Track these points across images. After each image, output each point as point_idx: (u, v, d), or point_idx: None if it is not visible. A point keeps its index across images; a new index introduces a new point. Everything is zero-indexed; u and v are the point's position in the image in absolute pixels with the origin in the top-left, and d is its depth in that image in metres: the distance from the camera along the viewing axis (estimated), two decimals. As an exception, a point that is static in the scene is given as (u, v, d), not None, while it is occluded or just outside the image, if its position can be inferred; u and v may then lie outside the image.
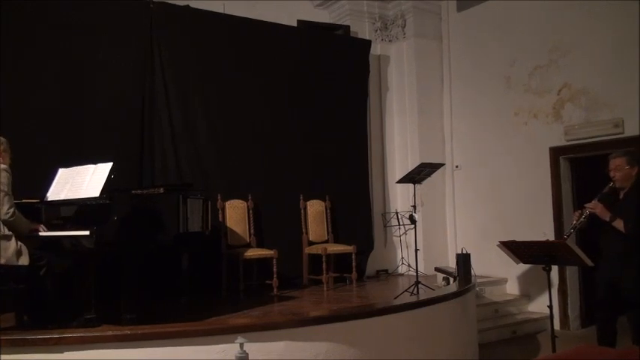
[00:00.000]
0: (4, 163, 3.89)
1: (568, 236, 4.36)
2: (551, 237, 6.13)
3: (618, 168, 4.42)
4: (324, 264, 6.08)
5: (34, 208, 4.22)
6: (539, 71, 6.72)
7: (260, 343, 3.54)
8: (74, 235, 3.95)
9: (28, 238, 3.91)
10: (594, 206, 4.35)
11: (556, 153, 6.53)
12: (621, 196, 4.46)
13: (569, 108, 6.43)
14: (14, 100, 5.11)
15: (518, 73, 6.95)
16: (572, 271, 6.37)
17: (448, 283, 5.86)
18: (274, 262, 5.75)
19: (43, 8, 5.33)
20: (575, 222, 4.42)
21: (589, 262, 4.02)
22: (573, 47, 6.37)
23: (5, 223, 3.77)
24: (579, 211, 4.46)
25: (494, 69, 7.20)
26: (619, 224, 4.25)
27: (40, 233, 4.00)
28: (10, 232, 3.76)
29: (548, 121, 6.63)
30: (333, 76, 7.13)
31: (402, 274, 7.33)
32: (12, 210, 3.78)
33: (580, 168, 6.53)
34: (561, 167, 6.52)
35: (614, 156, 4.51)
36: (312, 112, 6.92)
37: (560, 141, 6.48)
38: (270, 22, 6.75)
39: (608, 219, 4.29)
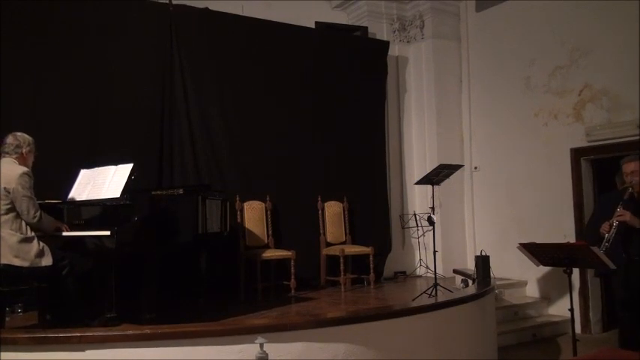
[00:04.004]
0: (26, 165, 3.96)
1: (604, 251, 4.26)
2: (572, 239, 6.05)
3: (635, 172, 4.38)
4: (341, 265, 6.08)
5: (56, 208, 4.28)
6: (560, 72, 6.64)
7: (278, 344, 3.55)
8: (95, 235, 4.01)
9: (51, 237, 3.97)
10: (623, 214, 4.28)
11: (577, 154, 6.44)
12: (636, 196, 4.41)
13: (591, 109, 6.34)
14: (35, 101, 5.20)
15: (538, 74, 6.88)
16: (593, 274, 6.27)
17: (467, 286, 5.82)
18: (292, 263, 5.77)
19: (64, 10, 5.41)
20: (607, 235, 4.31)
21: (611, 265, 3.96)
22: (594, 47, 6.29)
23: (31, 225, 3.83)
24: (608, 224, 4.35)
25: (514, 69, 7.14)
26: None
27: (63, 233, 4.06)
28: (32, 234, 3.82)
29: (568, 122, 6.55)
30: (350, 77, 7.13)
31: (420, 276, 7.29)
32: (38, 213, 3.83)
33: (601, 169, 6.44)
34: (582, 168, 6.43)
35: (627, 161, 4.47)
36: (330, 114, 6.92)
37: (581, 142, 6.39)
38: (288, 24, 6.77)
39: (638, 226, 4.23)
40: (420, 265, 7.39)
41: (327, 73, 6.95)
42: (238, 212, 5.99)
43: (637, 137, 5.79)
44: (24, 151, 3.98)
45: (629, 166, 4.43)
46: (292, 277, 5.75)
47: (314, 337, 3.74)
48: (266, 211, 6.21)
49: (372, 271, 6.30)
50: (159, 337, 3.45)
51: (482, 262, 5.84)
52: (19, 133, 4.00)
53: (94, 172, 4.44)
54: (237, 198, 6.01)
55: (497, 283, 6.09)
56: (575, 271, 5.75)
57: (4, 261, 3.68)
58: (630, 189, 4.39)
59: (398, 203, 7.60)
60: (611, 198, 4.57)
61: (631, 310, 4.40)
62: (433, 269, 5.52)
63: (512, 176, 7.12)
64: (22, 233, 3.76)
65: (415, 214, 7.12)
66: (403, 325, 4.20)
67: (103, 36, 5.61)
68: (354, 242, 6.63)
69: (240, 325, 3.95)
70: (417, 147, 7.77)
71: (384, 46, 7.58)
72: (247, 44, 6.44)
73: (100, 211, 4.17)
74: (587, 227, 4.89)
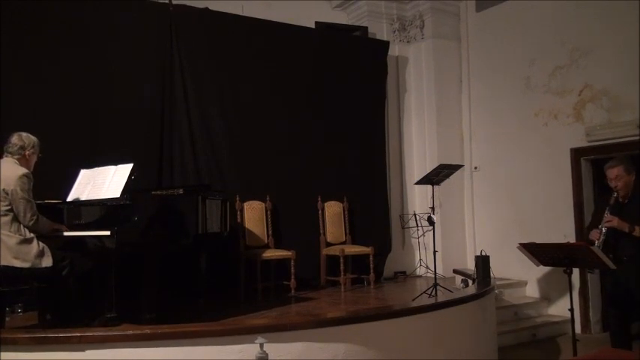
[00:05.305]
0: (28, 167, 3.95)
1: None
2: (572, 239, 6.05)
3: (618, 177, 4.42)
4: (341, 265, 6.08)
5: (56, 208, 4.29)
6: (560, 71, 6.64)
7: (278, 344, 3.55)
8: (96, 235, 4.01)
9: (51, 238, 3.96)
10: (611, 220, 4.32)
11: (577, 154, 6.44)
12: (621, 200, 4.46)
13: (591, 109, 6.34)
14: (34, 101, 5.19)
15: (538, 74, 6.87)
16: (593, 274, 6.27)
17: (467, 286, 5.82)
18: (292, 263, 5.76)
19: (64, 10, 5.40)
20: (597, 242, 4.35)
21: (611, 265, 3.97)
22: (594, 47, 6.28)
23: (27, 228, 3.82)
24: (597, 231, 4.41)
25: (514, 69, 7.14)
26: (639, 232, 4.23)
27: (63, 233, 4.06)
28: (32, 235, 3.82)
29: (568, 122, 6.55)
30: (350, 77, 7.12)
31: (420, 276, 7.29)
32: (35, 217, 3.83)
33: (601, 169, 6.44)
34: (582, 168, 6.43)
35: (611, 166, 4.51)
36: (330, 113, 6.92)
37: (581, 142, 6.39)
38: (288, 24, 6.77)
39: (627, 230, 4.26)
40: (420, 265, 7.39)
41: (327, 73, 6.95)
42: (238, 212, 5.99)
43: (637, 137, 5.79)
44: (27, 152, 3.97)
45: (612, 172, 4.48)
46: (292, 277, 5.75)
47: (314, 337, 3.74)
48: (266, 211, 6.21)
49: (372, 271, 6.30)
50: (159, 337, 3.45)
51: (483, 262, 5.84)
52: (24, 134, 3.99)
53: (94, 172, 4.44)
54: (237, 198, 6.01)
55: (497, 283, 6.09)
56: (575, 271, 5.74)
57: (4, 262, 3.67)
58: (615, 194, 4.44)
59: (398, 203, 7.60)
60: (608, 200, 4.58)
61: (618, 309, 4.44)
62: (433, 269, 5.52)
63: (513, 176, 7.12)
64: (21, 235, 3.76)
65: (415, 214, 7.12)
66: (403, 325, 4.20)
67: (103, 36, 5.61)
68: (354, 242, 6.63)
69: (240, 325, 3.95)
70: (417, 147, 7.77)
71: (384, 46, 7.58)
72: (247, 44, 6.43)
73: (100, 211, 4.16)
74: (588, 229, 4.93)
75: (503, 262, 6.42)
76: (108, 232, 3.90)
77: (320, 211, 6.56)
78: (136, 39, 5.78)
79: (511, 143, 7.15)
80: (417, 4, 7.77)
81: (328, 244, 6.48)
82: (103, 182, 4.28)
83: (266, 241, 6.12)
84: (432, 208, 5.64)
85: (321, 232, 6.51)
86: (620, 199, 4.45)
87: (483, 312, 5.03)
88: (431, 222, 5.60)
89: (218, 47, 6.27)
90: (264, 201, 6.23)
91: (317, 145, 6.76)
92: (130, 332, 3.48)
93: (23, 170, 3.85)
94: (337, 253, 6.15)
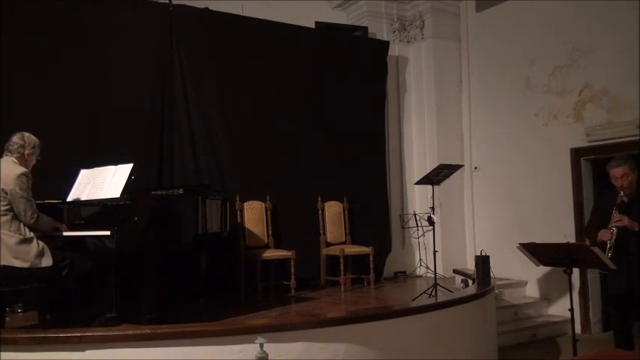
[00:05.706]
0: (26, 166, 3.95)
1: (609, 258, 4.27)
2: (572, 239, 6.05)
3: (625, 176, 4.39)
4: (341, 265, 6.08)
5: (56, 208, 4.28)
6: (560, 71, 6.64)
7: (278, 344, 3.56)
8: (96, 235, 4.00)
9: (51, 237, 3.97)
10: (621, 219, 4.30)
11: (577, 154, 6.44)
12: (626, 200, 4.43)
13: (591, 109, 6.34)
14: (35, 101, 5.19)
15: (538, 74, 6.88)
16: (593, 274, 6.28)
17: (467, 286, 5.82)
18: (292, 263, 5.76)
19: (64, 10, 5.40)
20: (609, 243, 4.32)
21: (611, 265, 3.97)
22: (594, 47, 6.29)
23: (28, 226, 3.83)
24: (608, 231, 4.36)
25: (514, 69, 7.14)
26: None
27: (63, 233, 4.06)
28: (32, 235, 3.82)
29: (568, 122, 6.56)
30: (350, 77, 7.12)
31: (420, 276, 7.29)
32: (35, 215, 3.83)
33: (601, 169, 6.44)
34: (582, 168, 6.43)
35: (616, 165, 4.47)
36: (330, 113, 6.92)
37: (581, 142, 6.39)
38: (288, 24, 6.77)
39: (637, 229, 4.25)
40: (420, 265, 7.39)
41: (327, 73, 6.95)
42: (238, 212, 5.99)
43: (637, 137, 5.79)
44: (26, 152, 3.98)
45: (618, 171, 4.43)
46: (292, 277, 5.75)
47: (314, 337, 3.74)
48: (266, 211, 6.21)
49: (372, 271, 6.30)
50: (159, 337, 3.45)
51: (483, 262, 5.84)
52: (26, 134, 4.02)
53: (94, 172, 4.44)
54: (237, 198, 6.01)
55: (497, 283, 6.09)
56: (575, 271, 5.75)
57: (4, 262, 3.68)
58: (621, 193, 4.42)
59: (398, 203, 7.60)
60: (608, 199, 4.56)
61: (619, 309, 4.43)
62: (433, 269, 5.52)
63: (512, 176, 7.12)
64: (20, 234, 3.76)
65: (415, 214, 7.12)
66: (403, 325, 4.20)
67: (103, 36, 5.61)
68: (354, 242, 6.63)
69: (240, 325, 3.96)
70: (417, 147, 7.77)
71: (384, 46, 7.58)
72: (247, 44, 6.43)
73: (100, 211, 4.16)
74: (587, 229, 4.92)
75: (503, 262, 6.42)
76: (108, 232, 3.90)
77: (320, 211, 6.56)
78: (136, 39, 5.78)
79: (511, 143, 7.15)
80: (417, 4, 7.77)
81: (328, 244, 6.48)
82: (103, 182, 4.28)
83: (266, 241, 6.12)
84: (432, 208, 5.64)
85: (321, 232, 6.51)
86: (625, 199, 4.43)
87: (483, 312, 5.04)
88: (431, 222, 5.60)
89: (218, 47, 6.26)
90: (264, 201, 6.23)
91: (317, 145, 6.76)
92: (130, 332, 3.48)
93: (22, 169, 3.85)
94: (337, 253, 6.15)
